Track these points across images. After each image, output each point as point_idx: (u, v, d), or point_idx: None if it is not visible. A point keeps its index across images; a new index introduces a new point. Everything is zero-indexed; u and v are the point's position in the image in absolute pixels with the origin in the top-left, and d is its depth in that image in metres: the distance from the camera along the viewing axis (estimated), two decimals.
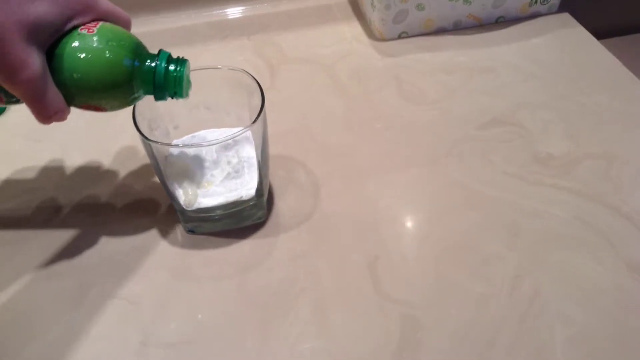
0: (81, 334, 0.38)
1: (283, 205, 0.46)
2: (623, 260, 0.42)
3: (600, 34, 0.64)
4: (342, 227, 0.45)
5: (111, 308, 0.40)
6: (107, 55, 0.33)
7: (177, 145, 0.41)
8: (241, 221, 0.45)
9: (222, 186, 0.42)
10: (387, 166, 0.49)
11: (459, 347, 0.37)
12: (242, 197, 0.42)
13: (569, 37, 0.64)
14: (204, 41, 0.64)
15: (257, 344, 0.38)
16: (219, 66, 0.42)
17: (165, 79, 0.36)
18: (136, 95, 0.36)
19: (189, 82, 0.38)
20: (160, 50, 0.36)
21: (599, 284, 0.41)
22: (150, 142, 0.37)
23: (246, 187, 0.42)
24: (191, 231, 0.45)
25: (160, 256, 0.43)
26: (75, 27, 0.34)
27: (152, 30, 0.64)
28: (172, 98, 0.37)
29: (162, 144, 0.39)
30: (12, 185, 0.48)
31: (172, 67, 0.36)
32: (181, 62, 0.36)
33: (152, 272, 0.42)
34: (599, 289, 0.40)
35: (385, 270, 0.42)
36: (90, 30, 0.33)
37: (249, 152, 0.42)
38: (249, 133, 0.39)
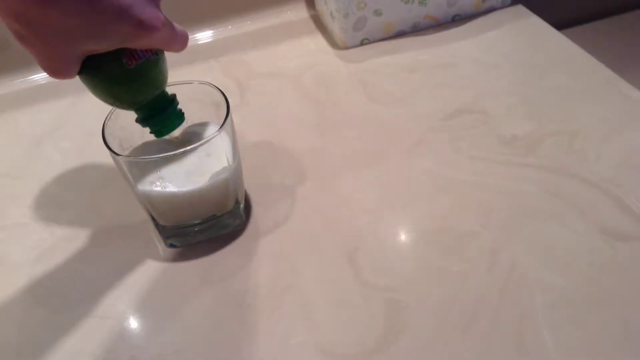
0: (71, 355, 0.39)
1: (260, 210, 0.47)
2: (594, 225, 0.43)
3: (555, 25, 0.66)
4: (320, 225, 0.46)
5: (98, 328, 0.40)
6: (128, 92, 0.36)
7: (147, 158, 0.41)
8: (220, 230, 0.45)
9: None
10: (359, 163, 0.51)
11: (443, 324, 0.38)
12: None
13: (525, 26, 0.66)
14: (171, 67, 0.66)
15: (246, 343, 0.38)
16: (187, 81, 0.43)
17: (159, 124, 0.39)
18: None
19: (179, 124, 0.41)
20: (173, 100, 0.40)
21: (573, 250, 0.42)
22: (120, 158, 0.38)
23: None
24: (172, 245, 0.45)
25: (143, 273, 0.43)
26: (124, 48, 0.33)
27: None
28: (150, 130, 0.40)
29: (133, 158, 0.40)
30: None
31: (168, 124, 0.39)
32: (179, 119, 0.40)
33: (136, 289, 0.42)
34: (573, 254, 0.41)
35: (365, 260, 0.42)
36: (130, 64, 0.34)
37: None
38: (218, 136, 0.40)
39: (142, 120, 0.39)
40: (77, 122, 0.59)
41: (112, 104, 0.37)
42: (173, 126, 0.40)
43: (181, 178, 0.40)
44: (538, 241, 0.42)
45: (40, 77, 0.66)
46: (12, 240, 0.47)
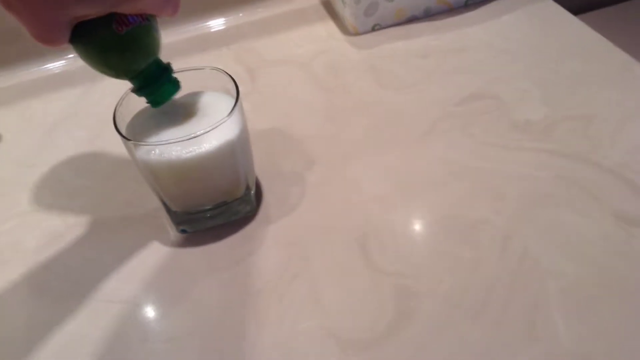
0: (83, 339, 0.39)
1: (271, 197, 0.47)
2: (608, 211, 0.42)
3: (570, 10, 0.65)
4: (330, 211, 0.45)
5: (108, 312, 0.41)
6: (120, 60, 0.35)
7: (158, 143, 0.41)
8: (231, 216, 0.46)
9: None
10: (370, 150, 0.50)
11: (454, 311, 0.38)
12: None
13: (539, 11, 0.65)
14: (183, 55, 0.66)
15: (256, 328, 0.38)
16: (198, 67, 0.43)
17: (156, 95, 0.38)
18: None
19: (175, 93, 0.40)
20: (168, 68, 0.39)
21: (587, 236, 0.41)
22: (132, 143, 0.38)
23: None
24: (183, 231, 0.45)
25: (154, 259, 0.44)
26: (114, 14, 0.33)
27: None
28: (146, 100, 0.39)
29: (144, 144, 0.39)
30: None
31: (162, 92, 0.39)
32: (175, 87, 0.39)
33: (146, 274, 0.43)
34: (587, 240, 0.41)
35: (376, 246, 0.42)
36: (120, 30, 0.34)
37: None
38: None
39: (138, 90, 0.39)
40: (90, 110, 0.60)
41: (105, 73, 0.36)
42: (169, 94, 0.39)
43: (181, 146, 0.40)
44: (551, 228, 0.42)
45: (54, 66, 0.66)
46: (24, 228, 0.48)
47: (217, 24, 0.71)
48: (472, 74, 0.57)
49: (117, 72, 0.37)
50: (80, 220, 0.47)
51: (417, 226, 0.44)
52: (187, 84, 0.41)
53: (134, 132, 0.41)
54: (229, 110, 0.39)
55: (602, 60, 0.57)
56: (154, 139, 0.40)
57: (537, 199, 0.44)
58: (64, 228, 0.47)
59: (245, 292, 0.41)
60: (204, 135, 0.38)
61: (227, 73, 0.42)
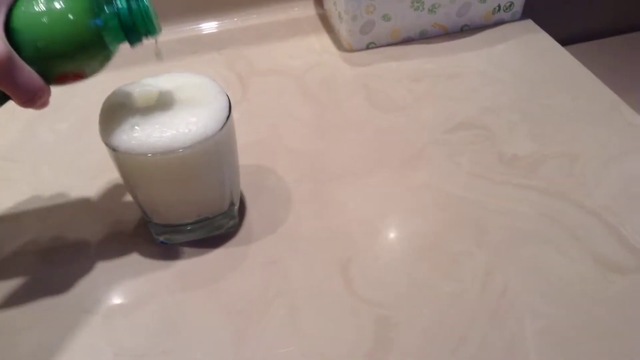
0: (55, 349, 0.38)
1: (255, 212, 0.47)
2: (588, 253, 0.43)
3: (562, 41, 0.66)
4: (314, 231, 0.45)
5: (83, 323, 0.39)
6: (65, 11, 0.31)
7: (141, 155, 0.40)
8: (213, 231, 0.45)
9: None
10: (357, 170, 0.50)
11: (432, 344, 0.38)
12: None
13: (532, 42, 0.66)
14: (173, 57, 0.65)
15: (233, 350, 0.38)
16: (185, 73, 0.42)
17: (132, 18, 0.34)
18: (110, 48, 0.34)
19: (156, 15, 0.35)
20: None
21: (566, 277, 0.41)
22: (113, 151, 0.37)
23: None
24: (163, 242, 0.45)
25: (132, 269, 0.43)
26: None
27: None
28: (147, 37, 0.35)
29: (126, 152, 0.38)
30: None
31: (134, 3, 0.34)
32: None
33: (123, 286, 0.42)
34: (566, 282, 0.41)
35: (358, 272, 0.42)
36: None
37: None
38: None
39: (129, 36, 0.35)
40: (75, 103, 0.58)
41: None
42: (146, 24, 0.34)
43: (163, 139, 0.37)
44: (531, 265, 0.42)
45: None
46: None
47: (209, 26, 0.70)
48: (463, 101, 0.57)
49: (99, 61, 0.34)
50: (59, 222, 0.46)
51: (400, 254, 0.44)
52: (176, 89, 0.40)
53: (113, 127, 0.38)
54: (217, 102, 0.39)
55: (591, 97, 0.57)
56: (133, 131, 0.37)
57: (520, 236, 0.44)
58: (39, 230, 0.46)
59: (224, 311, 0.40)
60: (190, 133, 0.37)
61: (219, 85, 0.41)
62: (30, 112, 0.57)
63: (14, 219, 0.47)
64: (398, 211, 0.47)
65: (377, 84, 0.60)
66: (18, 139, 0.55)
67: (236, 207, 0.45)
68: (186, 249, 0.44)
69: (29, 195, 0.49)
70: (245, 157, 0.47)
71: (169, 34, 0.67)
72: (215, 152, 0.40)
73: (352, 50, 0.65)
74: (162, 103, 0.39)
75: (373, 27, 0.63)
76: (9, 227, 0.46)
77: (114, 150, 0.37)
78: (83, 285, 0.42)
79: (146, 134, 0.37)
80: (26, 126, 0.56)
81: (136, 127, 0.37)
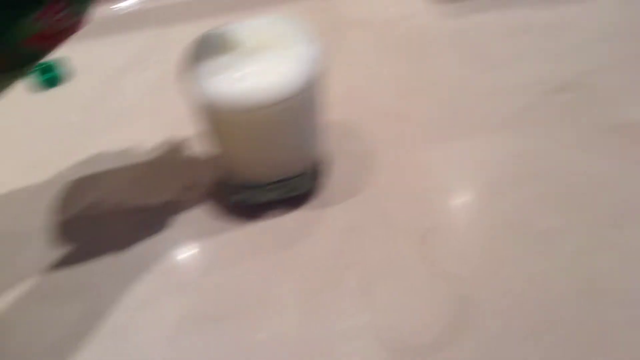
0: (126, 304, 0.39)
1: (334, 175, 0.45)
2: None
3: None
4: (395, 199, 0.43)
5: (152, 280, 0.40)
6: None
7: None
8: (290, 191, 0.44)
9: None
10: (445, 134, 0.47)
11: (512, 328, 0.35)
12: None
13: None
14: (253, 6, 0.63)
15: (299, 317, 0.37)
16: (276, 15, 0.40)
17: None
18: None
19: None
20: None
21: None
22: (196, 101, 0.36)
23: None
24: (240, 202, 0.44)
25: (203, 229, 0.43)
26: None
27: None
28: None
29: (209, 104, 0.37)
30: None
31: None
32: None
33: (196, 245, 0.42)
34: None
35: (438, 244, 0.40)
36: None
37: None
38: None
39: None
40: (160, 55, 0.58)
41: None
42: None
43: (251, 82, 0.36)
44: (632, 249, 0.38)
45: (129, 4, 0.65)
46: (84, 178, 0.48)
47: None
48: (568, 59, 0.52)
49: None
50: (134, 177, 0.47)
51: (485, 228, 0.41)
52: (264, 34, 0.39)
53: (197, 77, 0.37)
54: (309, 52, 0.37)
55: None
56: (218, 81, 0.36)
57: (623, 215, 0.40)
58: (115, 185, 0.47)
59: (295, 276, 0.39)
60: (279, 85, 0.36)
61: (312, 32, 0.39)
62: (115, 63, 0.58)
63: (90, 173, 0.48)
64: (486, 181, 0.44)
65: (474, 38, 0.55)
66: (99, 91, 0.56)
67: (315, 169, 0.44)
68: (259, 211, 0.43)
69: (106, 150, 0.50)
70: (327, 116, 0.45)
71: None
72: (300, 109, 0.38)
73: (447, 0, 0.60)
74: (250, 50, 0.38)
75: None
76: (86, 181, 0.48)
77: (197, 100, 0.37)
78: (153, 244, 0.42)
79: (232, 85, 0.36)
80: (109, 78, 0.57)
81: (221, 77, 0.36)
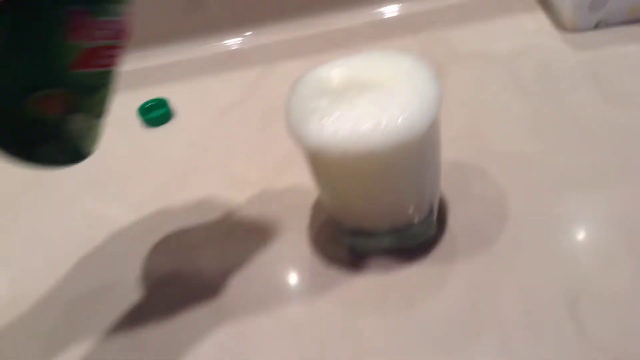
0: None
1: (457, 223, 0.40)
2: None
3: None
4: (532, 255, 0.37)
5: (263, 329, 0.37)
6: None
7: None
8: (407, 240, 0.39)
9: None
10: (589, 181, 0.40)
11: None
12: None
13: None
14: (365, 42, 0.60)
15: None
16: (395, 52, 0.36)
17: None
18: None
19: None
20: None
21: None
22: (299, 143, 0.33)
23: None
24: (353, 248, 0.40)
25: (321, 275, 0.39)
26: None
27: (308, 34, 0.62)
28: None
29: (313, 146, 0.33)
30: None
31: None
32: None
33: (310, 296, 0.38)
34: None
35: (591, 312, 0.33)
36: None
37: None
38: None
39: None
40: (265, 93, 0.56)
41: None
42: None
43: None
44: None
45: (234, 42, 0.64)
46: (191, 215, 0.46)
47: (400, 8, 0.63)
48: None
49: None
50: (243, 214, 0.44)
51: None
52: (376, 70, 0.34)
53: (300, 117, 0.33)
54: (426, 90, 0.32)
55: None
56: (324, 121, 0.32)
57: None
58: (225, 220, 0.44)
59: (422, 337, 0.34)
60: (391, 127, 0.31)
61: (430, 68, 0.34)
62: (223, 100, 0.57)
63: (199, 206, 0.46)
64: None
65: (611, 72, 0.49)
66: (210, 125, 0.54)
67: (434, 215, 0.39)
68: (374, 260, 0.39)
69: (217, 185, 0.48)
70: (445, 156, 0.40)
71: (356, 17, 0.63)
72: (419, 153, 0.34)
73: (575, 30, 0.54)
74: (359, 88, 0.33)
75: (606, 2, 0.51)
76: (195, 214, 0.45)
77: (300, 142, 0.33)
78: (262, 291, 0.39)
79: (338, 126, 0.31)
80: (220, 114, 0.55)
81: (327, 117, 0.32)
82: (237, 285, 0.39)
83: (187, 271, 0.41)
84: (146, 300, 0.40)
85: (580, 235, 0.37)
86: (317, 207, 0.43)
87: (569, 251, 0.37)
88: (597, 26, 0.54)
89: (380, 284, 0.37)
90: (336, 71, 0.35)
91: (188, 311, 0.38)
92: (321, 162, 0.35)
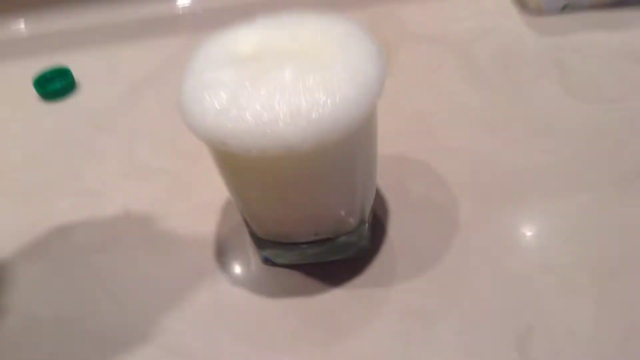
0: None
1: (395, 234, 0.33)
2: None
3: None
4: (479, 277, 0.31)
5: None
6: None
7: None
8: (336, 253, 0.32)
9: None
10: (547, 187, 0.35)
11: None
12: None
13: None
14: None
15: None
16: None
17: None
18: None
19: None
20: None
21: None
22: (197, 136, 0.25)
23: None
24: (267, 260, 0.33)
25: (225, 294, 0.32)
26: None
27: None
28: None
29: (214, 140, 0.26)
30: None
31: None
32: None
33: (206, 325, 0.31)
34: None
35: (542, 350, 0.28)
36: None
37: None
38: None
39: None
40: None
41: None
42: None
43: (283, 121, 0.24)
44: None
45: (152, 11, 0.56)
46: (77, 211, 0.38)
47: None
48: None
49: None
50: (145, 210, 0.37)
51: (610, 327, 0.28)
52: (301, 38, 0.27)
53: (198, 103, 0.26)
54: (365, 68, 0.25)
55: None
56: (227, 108, 0.24)
57: None
58: (117, 219, 0.37)
59: None
60: (315, 117, 0.23)
61: (372, 39, 0.28)
62: (136, 73, 0.49)
63: (90, 201, 0.38)
64: (607, 255, 0.31)
65: (577, 62, 0.43)
66: (117, 101, 0.46)
67: (367, 224, 0.33)
68: (296, 276, 0.32)
69: (115, 174, 0.40)
70: (383, 152, 0.33)
71: None
72: (351, 149, 0.27)
73: (540, 12, 0.48)
74: (277, 56, 0.26)
75: None
76: (83, 210, 0.38)
77: (191, 130, 0.26)
78: (155, 309, 0.32)
79: (244, 111, 0.24)
80: (130, 89, 0.47)
81: (229, 97, 0.24)
82: (114, 304, 0.32)
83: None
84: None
85: (536, 254, 0.32)
86: (231, 207, 0.36)
87: (522, 273, 0.31)
88: (564, 9, 0.48)
89: (299, 310, 0.31)
90: (250, 32, 0.27)
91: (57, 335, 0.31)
92: (222, 159, 0.27)
